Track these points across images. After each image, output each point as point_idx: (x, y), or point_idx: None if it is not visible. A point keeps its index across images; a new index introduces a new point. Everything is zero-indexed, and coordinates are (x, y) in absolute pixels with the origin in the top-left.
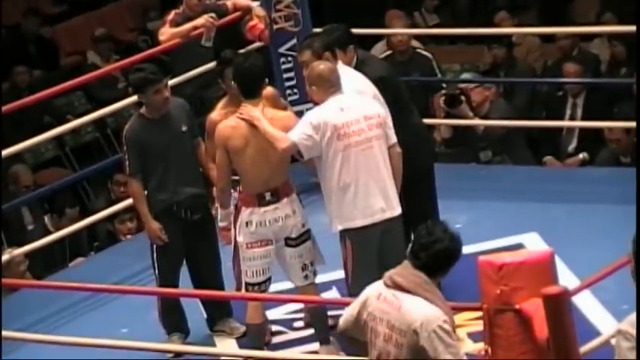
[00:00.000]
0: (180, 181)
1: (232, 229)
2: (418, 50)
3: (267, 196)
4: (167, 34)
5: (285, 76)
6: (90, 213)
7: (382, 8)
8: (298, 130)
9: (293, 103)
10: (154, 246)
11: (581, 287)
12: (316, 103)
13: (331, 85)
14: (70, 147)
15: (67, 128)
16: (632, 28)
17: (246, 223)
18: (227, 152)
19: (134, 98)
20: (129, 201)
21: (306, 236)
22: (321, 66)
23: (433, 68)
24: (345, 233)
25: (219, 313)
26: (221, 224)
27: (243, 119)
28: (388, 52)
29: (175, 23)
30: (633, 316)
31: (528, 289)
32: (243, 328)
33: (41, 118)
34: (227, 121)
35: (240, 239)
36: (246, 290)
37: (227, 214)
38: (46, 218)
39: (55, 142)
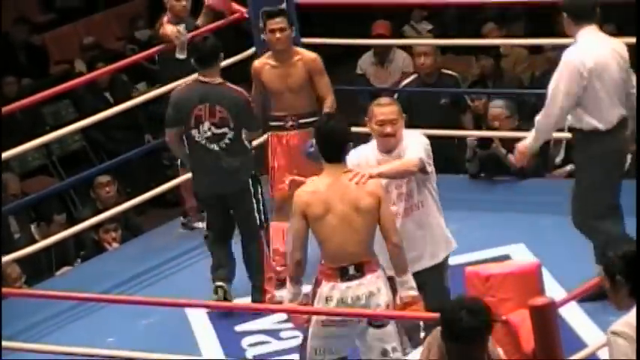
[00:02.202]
0: None
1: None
2: (444, 71)
3: (351, 270)
4: (169, 30)
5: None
6: (76, 222)
7: (370, 19)
8: (418, 149)
9: None
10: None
11: (568, 299)
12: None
13: None
14: (57, 155)
15: (54, 137)
16: (623, 39)
17: (326, 298)
18: (306, 219)
19: (121, 107)
20: (114, 210)
21: None
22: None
23: (459, 87)
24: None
25: None
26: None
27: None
28: (414, 76)
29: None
30: (628, 318)
31: (515, 300)
32: None
33: (30, 126)
34: (305, 187)
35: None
36: None
37: (297, 294)
38: (33, 227)
39: (42, 151)
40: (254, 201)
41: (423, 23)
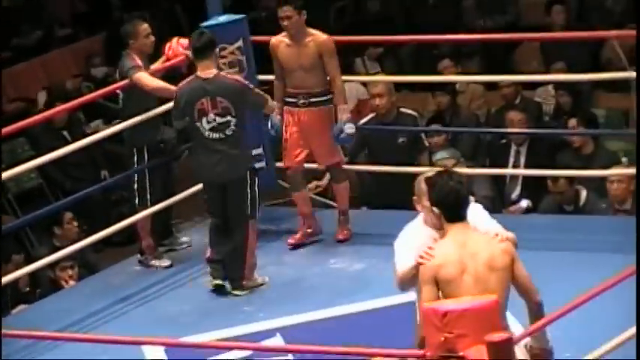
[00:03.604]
0: None
1: None
2: (402, 110)
3: None
4: (158, 84)
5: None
6: (33, 260)
7: None
8: (492, 220)
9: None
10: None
11: (525, 334)
12: None
13: None
14: (13, 193)
15: (10, 174)
16: (578, 76)
17: None
18: (437, 286)
19: (77, 145)
20: (72, 247)
21: None
22: None
23: (418, 126)
24: None
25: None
26: None
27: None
28: (372, 115)
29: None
30: None
31: (472, 336)
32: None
33: None
34: (432, 251)
35: None
36: None
37: None
38: None
39: None
40: (249, 192)
41: (374, 64)
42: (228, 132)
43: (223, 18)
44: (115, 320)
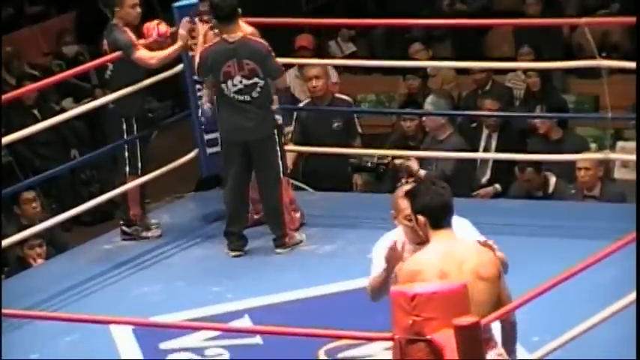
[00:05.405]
0: None
1: None
2: (337, 95)
3: None
4: (159, 57)
5: (200, 102)
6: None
7: (296, 34)
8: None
9: (207, 131)
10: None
11: (492, 319)
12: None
13: None
14: None
15: None
16: (548, 64)
17: None
18: None
19: (47, 123)
20: (40, 226)
21: None
22: None
23: (353, 113)
24: None
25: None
26: None
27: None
28: (307, 100)
29: (145, 46)
30: None
31: (440, 319)
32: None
33: None
34: (413, 257)
35: None
36: None
37: None
38: None
39: None
40: (278, 150)
41: (348, 44)
42: (255, 94)
43: None
44: (83, 299)
